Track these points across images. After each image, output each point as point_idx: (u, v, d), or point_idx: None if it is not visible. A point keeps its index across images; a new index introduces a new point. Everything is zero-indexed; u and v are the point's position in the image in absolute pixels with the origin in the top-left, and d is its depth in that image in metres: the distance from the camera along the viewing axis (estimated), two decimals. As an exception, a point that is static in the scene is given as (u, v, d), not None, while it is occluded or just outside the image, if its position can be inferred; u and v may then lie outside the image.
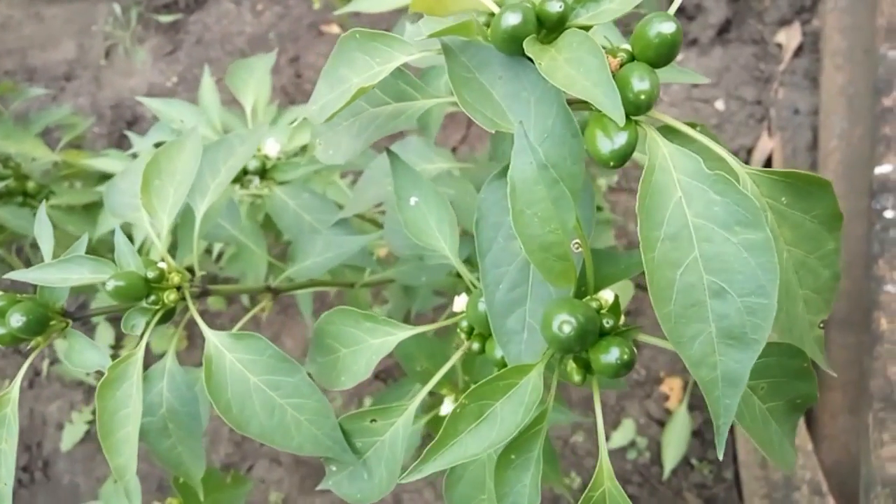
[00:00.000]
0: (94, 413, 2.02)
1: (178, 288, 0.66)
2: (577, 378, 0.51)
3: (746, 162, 2.26)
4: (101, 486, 2.26)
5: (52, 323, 0.68)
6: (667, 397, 2.18)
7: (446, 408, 0.81)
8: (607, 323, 0.50)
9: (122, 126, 2.56)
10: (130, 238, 0.72)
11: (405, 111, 0.61)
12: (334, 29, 2.58)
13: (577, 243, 0.50)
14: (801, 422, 1.74)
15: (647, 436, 2.10)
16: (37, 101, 2.57)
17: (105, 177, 1.71)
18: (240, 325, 0.90)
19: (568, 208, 0.47)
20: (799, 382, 0.55)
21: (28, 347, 0.67)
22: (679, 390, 2.16)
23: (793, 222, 0.51)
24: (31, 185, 1.72)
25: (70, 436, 2.34)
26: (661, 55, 0.46)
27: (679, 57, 2.52)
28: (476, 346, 0.60)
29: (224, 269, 1.75)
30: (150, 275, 0.62)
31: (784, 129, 2.22)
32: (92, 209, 1.72)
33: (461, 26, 0.51)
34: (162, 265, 0.64)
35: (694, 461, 2.04)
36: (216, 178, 0.78)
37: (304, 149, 0.98)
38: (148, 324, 0.63)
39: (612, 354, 0.48)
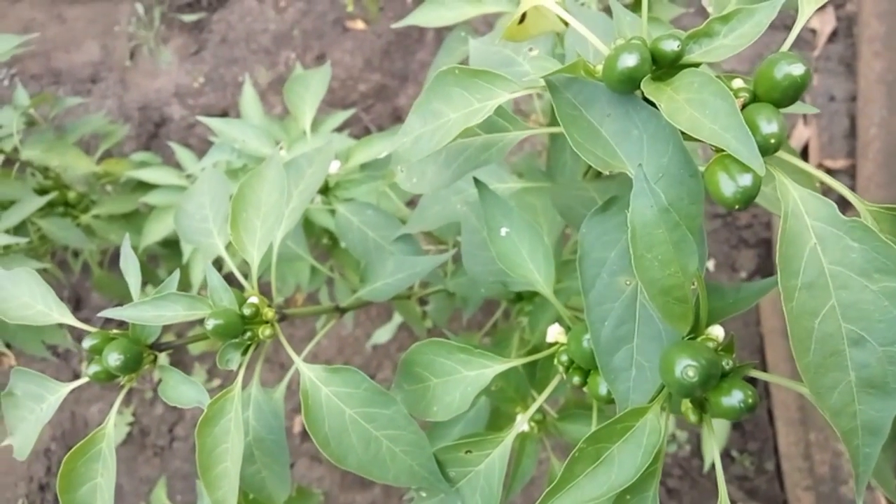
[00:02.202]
0: (134, 414, 2.03)
1: (271, 321, 0.66)
2: (693, 418, 0.51)
3: (781, 151, 2.24)
4: (149, 491, 2.28)
5: (143, 356, 0.68)
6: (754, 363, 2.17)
7: (520, 426, 0.82)
8: (726, 364, 0.49)
9: (151, 128, 2.56)
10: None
11: (496, 143, 0.61)
12: (359, 25, 2.56)
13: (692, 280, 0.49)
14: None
15: (686, 429, 2.10)
16: (66, 105, 2.57)
17: (142, 184, 1.72)
18: (312, 344, 0.90)
19: (690, 251, 0.47)
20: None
21: (121, 384, 0.67)
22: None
23: (911, 255, 0.50)
24: (71, 195, 1.73)
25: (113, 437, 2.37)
26: (787, 96, 0.45)
27: (710, 45, 2.49)
28: (576, 380, 0.60)
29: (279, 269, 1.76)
30: (247, 312, 0.62)
31: (820, 117, 2.19)
32: (133, 217, 1.72)
33: (572, 66, 0.51)
34: (254, 300, 0.65)
35: (734, 453, 2.04)
36: (290, 204, 0.78)
37: (363, 167, 0.98)
38: (243, 357, 0.64)
39: (734, 398, 0.47)
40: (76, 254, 1.96)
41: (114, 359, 0.61)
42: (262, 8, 2.71)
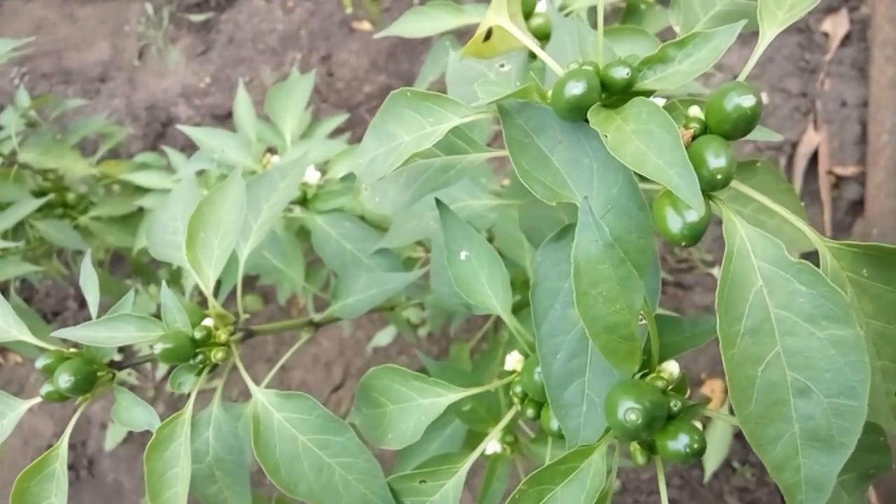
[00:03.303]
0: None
1: (226, 343, 0.65)
2: (640, 459, 0.49)
3: (791, 157, 2.20)
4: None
5: (100, 375, 0.67)
6: (708, 399, 2.14)
7: (492, 447, 0.80)
8: (675, 405, 0.47)
9: (157, 128, 2.57)
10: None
11: (455, 165, 0.59)
12: (365, 26, 2.55)
13: (641, 315, 0.47)
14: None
15: (688, 439, 2.06)
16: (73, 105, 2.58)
17: (141, 187, 1.72)
18: (286, 357, 0.89)
19: (635, 288, 0.45)
20: (873, 455, 0.53)
21: (77, 403, 0.66)
22: (720, 392, 2.12)
23: (873, 294, 0.48)
24: (70, 196, 1.73)
25: (113, 436, 2.38)
26: (737, 129, 0.43)
27: (720, 48, 2.45)
28: (530, 412, 0.58)
29: (261, 277, 1.76)
30: (198, 335, 0.61)
31: (831, 122, 2.14)
32: (131, 219, 1.72)
33: (523, 91, 0.49)
34: (208, 322, 0.63)
35: (736, 464, 2.01)
36: (258, 219, 0.77)
37: (343, 178, 0.96)
38: (196, 380, 0.62)
39: (680, 442, 0.45)
40: (80, 254, 1.96)
41: (64, 380, 0.60)
42: (269, 8, 2.70)
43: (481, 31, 0.59)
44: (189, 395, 0.62)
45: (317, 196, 0.94)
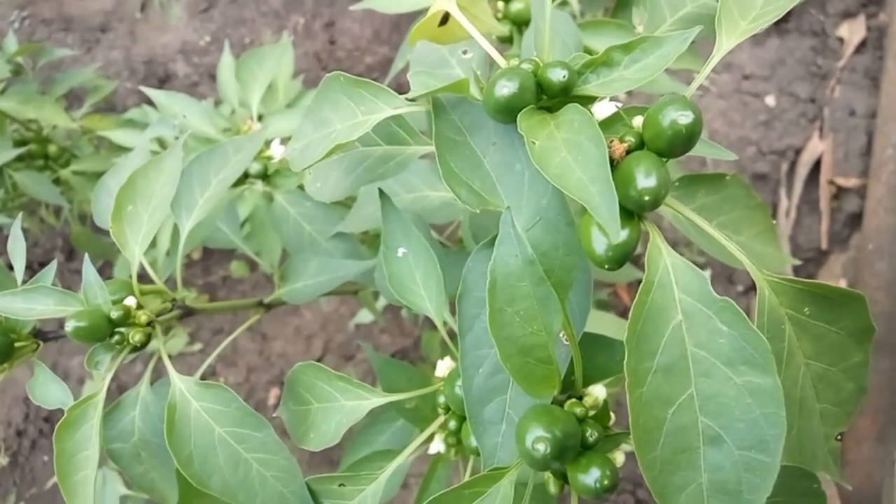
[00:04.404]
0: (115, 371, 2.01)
1: (150, 323, 0.62)
2: (553, 489, 0.46)
3: (793, 164, 2.15)
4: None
5: (22, 345, 0.64)
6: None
7: (435, 446, 0.77)
8: (591, 436, 0.44)
9: (154, 83, 2.52)
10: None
11: (396, 156, 0.56)
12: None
13: (564, 335, 0.44)
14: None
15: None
16: (72, 53, 2.54)
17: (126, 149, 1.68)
18: (227, 341, 0.86)
19: (554, 309, 0.42)
20: (805, 500, 0.50)
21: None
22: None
23: (815, 334, 0.44)
24: (52, 148, 1.70)
25: (90, 390, 2.37)
26: (674, 147, 0.39)
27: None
28: (452, 425, 0.55)
29: (246, 241, 1.73)
30: (115, 315, 0.58)
31: (837, 131, 2.09)
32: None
33: (456, 85, 0.45)
34: (130, 302, 0.60)
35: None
36: (205, 192, 0.73)
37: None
38: (114, 361, 0.60)
39: (591, 476, 0.42)
40: (58, 210, 1.94)
41: (-26, 350, 0.58)
42: (277, -31, 2.64)
43: (432, 15, 0.55)
44: (105, 375, 0.60)
45: (278, 171, 0.91)
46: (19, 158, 1.65)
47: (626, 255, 0.40)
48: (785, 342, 0.43)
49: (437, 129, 0.46)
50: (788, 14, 2.24)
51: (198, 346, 2.37)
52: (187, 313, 0.74)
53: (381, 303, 2.35)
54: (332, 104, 0.51)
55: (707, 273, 2.11)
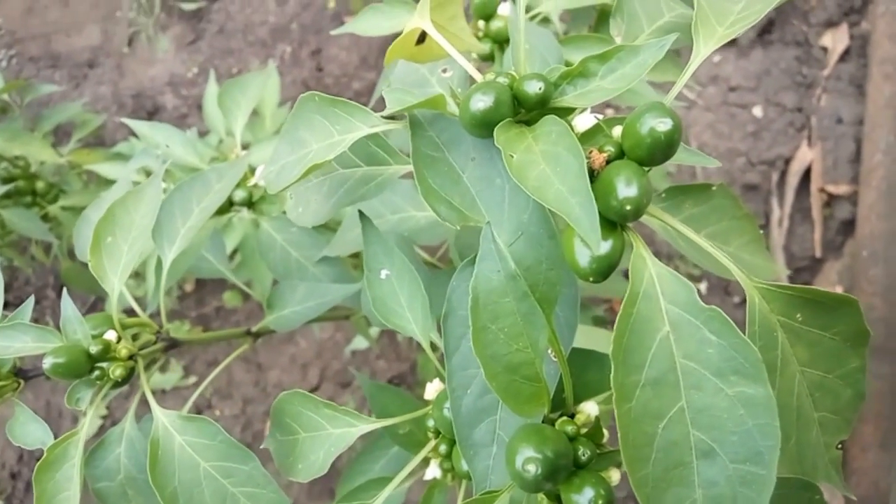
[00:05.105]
0: (108, 407, 1.99)
1: (132, 357, 0.60)
2: (547, 511, 0.45)
3: (783, 173, 2.15)
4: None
5: (3, 384, 0.63)
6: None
7: (431, 472, 0.76)
8: (583, 455, 0.43)
9: (143, 116, 2.53)
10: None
11: (376, 177, 0.55)
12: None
13: (552, 352, 0.43)
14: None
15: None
16: (58, 90, 2.55)
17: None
18: (225, 363, 0.85)
19: (540, 325, 0.41)
20: (810, 513, 0.48)
21: (-27, 412, 0.62)
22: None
23: (809, 341, 0.43)
24: (40, 184, 1.69)
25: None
26: (654, 155, 0.38)
27: (717, 58, 2.39)
28: (443, 448, 0.54)
29: (236, 272, 1.72)
30: (94, 349, 0.57)
31: (825, 139, 2.09)
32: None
33: (432, 101, 0.44)
34: (110, 336, 0.59)
35: None
36: (188, 221, 0.72)
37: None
38: (94, 398, 0.58)
39: (584, 496, 0.41)
40: (47, 246, 1.92)
41: (-50, 390, 0.56)
42: (262, -1, 2.66)
43: (408, 34, 0.55)
44: (86, 413, 0.58)
45: (263, 198, 0.90)
46: (7, 195, 1.64)
47: (611, 267, 0.39)
48: (778, 350, 0.42)
49: (415, 146, 0.45)
50: (771, 25, 2.26)
51: (192, 380, 2.34)
52: (172, 345, 0.73)
53: (377, 328, 2.34)
54: (307, 124, 0.50)
55: (703, 285, 2.10)
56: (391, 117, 0.47)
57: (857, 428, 1.74)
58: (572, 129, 0.42)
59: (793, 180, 2.09)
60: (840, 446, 0.49)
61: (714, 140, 2.17)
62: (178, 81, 2.56)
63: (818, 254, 2.04)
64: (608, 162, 0.40)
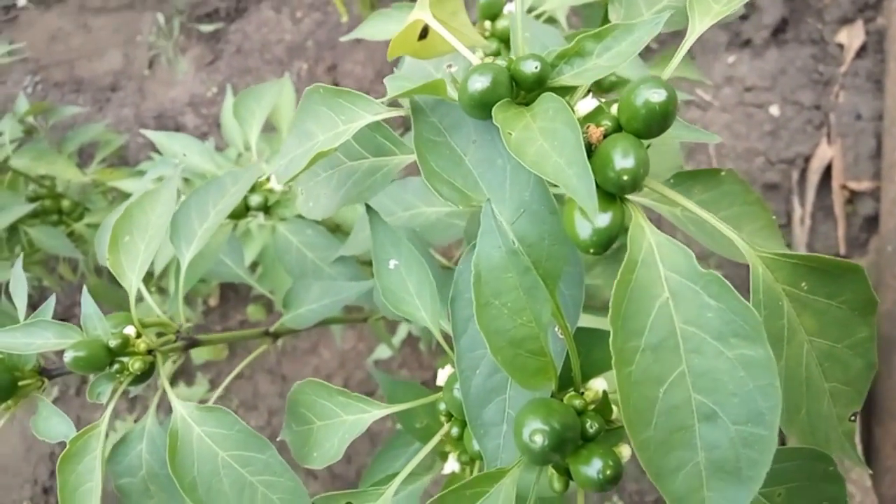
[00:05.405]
0: (136, 421, 2.02)
1: (151, 352, 0.62)
2: (557, 486, 0.45)
3: (803, 171, 2.13)
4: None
5: (27, 383, 0.65)
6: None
7: (450, 466, 0.76)
8: (591, 427, 0.43)
9: (164, 136, 2.57)
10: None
11: (382, 167, 0.56)
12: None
13: (559, 329, 0.44)
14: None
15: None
16: (83, 113, 2.61)
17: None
18: (248, 360, 0.86)
19: (542, 299, 0.41)
20: (824, 485, 0.48)
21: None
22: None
23: (815, 309, 0.43)
24: (65, 203, 1.73)
25: (113, 443, 2.37)
26: (650, 127, 0.39)
27: (731, 59, 2.38)
28: (455, 431, 0.54)
29: (260, 281, 1.74)
30: (113, 343, 0.58)
31: (845, 136, 2.07)
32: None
33: (431, 86, 0.45)
34: (129, 331, 0.61)
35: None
36: (204, 223, 0.74)
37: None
38: (115, 391, 0.60)
39: (593, 467, 0.41)
40: (72, 262, 1.97)
41: (-24, 388, 0.58)
42: (278, 19, 2.71)
43: (410, 29, 0.56)
44: (107, 405, 0.60)
45: (279, 202, 0.92)
46: (34, 215, 1.68)
47: (611, 239, 0.40)
48: (784, 319, 0.42)
49: (417, 131, 0.46)
50: (785, 24, 2.25)
51: (218, 393, 2.37)
52: (191, 344, 0.74)
53: (400, 336, 2.35)
54: (313, 117, 0.52)
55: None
56: (395, 105, 0.48)
57: (890, 426, 1.71)
58: (573, 111, 0.43)
59: (813, 178, 2.08)
60: (853, 418, 0.49)
61: (732, 140, 2.16)
62: (198, 101, 2.61)
63: (842, 251, 2.02)
64: (606, 136, 0.40)
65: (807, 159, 2.11)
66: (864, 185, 2.01)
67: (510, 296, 0.41)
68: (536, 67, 0.42)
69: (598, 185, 0.40)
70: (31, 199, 1.68)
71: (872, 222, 1.99)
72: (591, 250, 0.40)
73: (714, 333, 0.35)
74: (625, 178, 0.38)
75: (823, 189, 2.07)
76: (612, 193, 0.40)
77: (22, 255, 0.66)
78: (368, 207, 0.61)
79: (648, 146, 0.46)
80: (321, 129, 0.51)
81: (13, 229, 1.66)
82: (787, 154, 2.11)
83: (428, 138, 0.46)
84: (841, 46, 2.18)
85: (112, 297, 1.90)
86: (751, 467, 0.34)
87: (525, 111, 0.42)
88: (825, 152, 2.08)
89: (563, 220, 0.41)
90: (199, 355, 2.44)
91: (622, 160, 0.38)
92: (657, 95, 0.38)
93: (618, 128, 0.41)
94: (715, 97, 2.22)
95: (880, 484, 1.69)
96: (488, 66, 0.42)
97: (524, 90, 0.44)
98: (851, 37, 2.15)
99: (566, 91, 0.44)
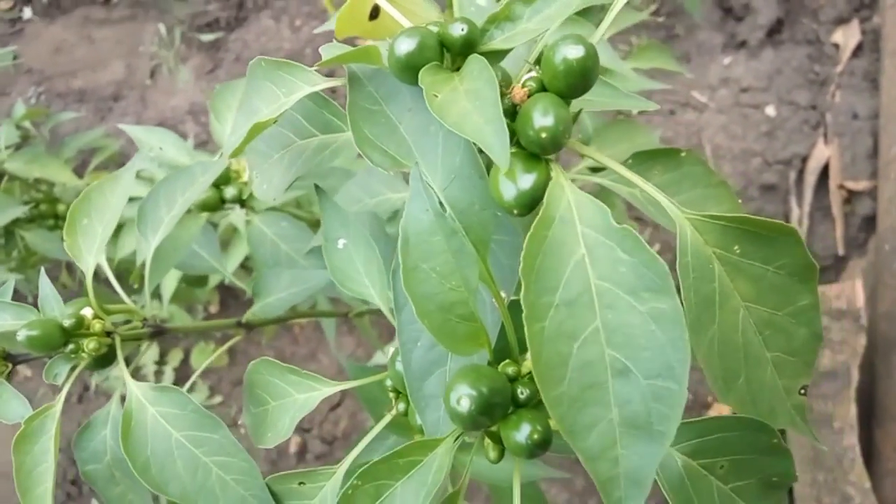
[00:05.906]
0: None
1: (109, 334, 0.62)
2: (492, 455, 0.44)
3: (800, 172, 2.11)
4: None
5: (-13, 368, 0.65)
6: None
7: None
8: (521, 393, 0.43)
9: (165, 144, 2.59)
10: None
11: (331, 144, 0.56)
12: (370, 43, 2.55)
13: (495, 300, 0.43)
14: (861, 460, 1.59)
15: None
16: (85, 121, 2.64)
17: (134, 199, 1.73)
18: (207, 361, 0.86)
19: (471, 262, 0.41)
20: (769, 459, 0.47)
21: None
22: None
23: (751, 275, 0.43)
24: (61, 207, 1.74)
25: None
26: (571, 85, 0.39)
27: (727, 60, 2.37)
28: (402, 407, 0.54)
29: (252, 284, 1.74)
30: (67, 323, 0.58)
31: (842, 136, 2.06)
32: (118, 231, 1.73)
33: (364, 51, 0.46)
34: (86, 312, 0.61)
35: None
36: (171, 211, 0.74)
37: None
38: (72, 373, 0.60)
39: (522, 432, 0.41)
40: (70, 268, 1.98)
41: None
42: (278, 27, 2.73)
43: (356, 6, 0.56)
44: (62, 386, 0.60)
45: (254, 195, 0.92)
46: (30, 219, 1.69)
47: (535, 200, 0.39)
48: (715, 283, 0.42)
49: (352, 100, 0.46)
50: (781, 25, 2.24)
51: (218, 399, 2.37)
52: (158, 332, 0.75)
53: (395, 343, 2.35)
54: (258, 92, 0.52)
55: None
56: (332, 76, 0.48)
57: (889, 427, 1.68)
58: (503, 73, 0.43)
59: (811, 178, 2.06)
60: (803, 391, 0.48)
61: (728, 142, 2.16)
62: (198, 109, 2.63)
63: (841, 251, 2.00)
64: (530, 96, 0.40)
65: (804, 160, 2.10)
66: (861, 184, 2.00)
67: (438, 259, 0.41)
68: (463, 30, 0.42)
69: (522, 147, 0.41)
70: (27, 204, 1.69)
71: (871, 222, 1.98)
72: (515, 211, 0.39)
73: (627, 288, 0.35)
74: (543, 135, 0.37)
75: (821, 189, 2.06)
76: (536, 155, 0.40)
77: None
78: (317, 188, 0.61)
79: (580, 111, 0.46)
80: (265, 102, 0.51)
81: (9, 234, 1.68)
82: (784, 155, 2.10)
83: (363, 107, 0.46)
84: (837, 46, 2.17)
85: (111, 300, 1.92)
86: (661, 422, 0.33)
87: (455, 76, 0.42)
88: (822, 152, 2.07)
89: (490, 183, 0.41)
90: (197, 362, 2.45)
91: (542, 118, 0.38)
92: (574, 51, 0.37)
93: (542, 89, 0.41)
94: (711, 99, 2.21)
95: (881, 487, 1.66)
96: (416, 30, 0.42)
97: (455, 55, 0.44)
98: (847, 36, 2.15)
99: (498, 55, 0.44)
